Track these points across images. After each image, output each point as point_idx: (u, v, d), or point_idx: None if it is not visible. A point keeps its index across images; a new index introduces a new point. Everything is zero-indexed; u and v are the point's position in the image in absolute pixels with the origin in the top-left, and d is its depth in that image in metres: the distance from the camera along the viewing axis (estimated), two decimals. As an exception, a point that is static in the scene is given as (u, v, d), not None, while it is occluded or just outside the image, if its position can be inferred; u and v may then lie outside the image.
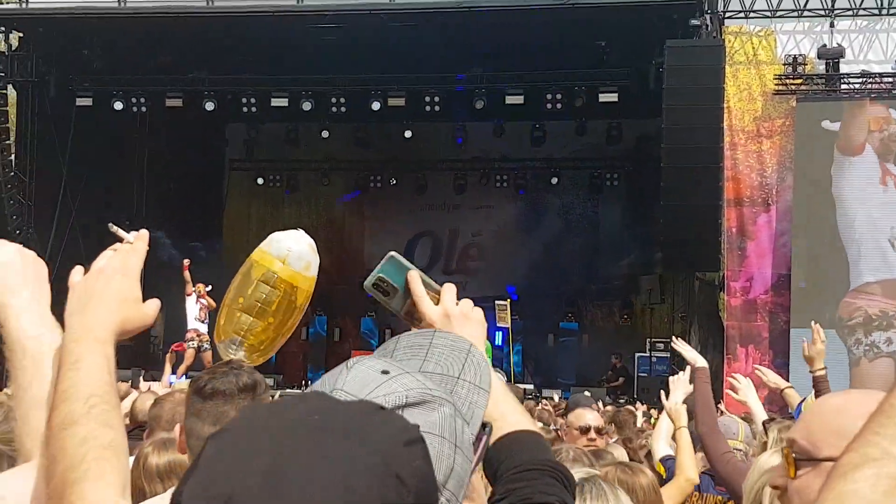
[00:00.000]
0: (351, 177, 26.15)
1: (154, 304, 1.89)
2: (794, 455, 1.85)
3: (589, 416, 6.12)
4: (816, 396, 5.62)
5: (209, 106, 21.19)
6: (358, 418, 1.16)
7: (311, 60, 20.83)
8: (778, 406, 12.72)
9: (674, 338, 6.77)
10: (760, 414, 5.79)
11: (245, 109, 21.68)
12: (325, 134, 23.44)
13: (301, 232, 3.51)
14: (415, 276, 1.98)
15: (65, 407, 1.64)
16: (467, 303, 2.02)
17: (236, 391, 3.17)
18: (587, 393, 13.39)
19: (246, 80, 21.47)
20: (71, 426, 1.61)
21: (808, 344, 5.99)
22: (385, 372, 1.32)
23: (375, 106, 21.20)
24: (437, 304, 1.99)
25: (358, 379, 1.31)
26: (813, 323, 6.15)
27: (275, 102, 21.46)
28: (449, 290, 2.01)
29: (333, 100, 21.39)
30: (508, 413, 1.89)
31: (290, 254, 3.35)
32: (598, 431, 6.02)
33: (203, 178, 25.60)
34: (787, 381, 6.57)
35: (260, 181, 26.34)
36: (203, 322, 18.01)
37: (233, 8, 19.78)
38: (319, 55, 20.60)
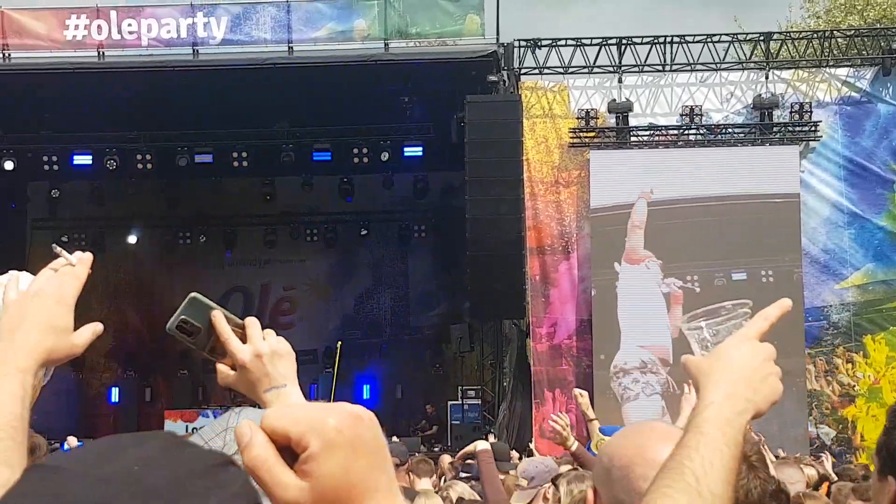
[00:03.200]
0: (158, 233, 25.77)
1: (86, 334, 1.83)
2: None
3: None
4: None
5: (8, 165, 20.65)
6: (182, 480, 1.05)
7: (114, 116, 20.60)
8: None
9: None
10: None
11: (47, 168, 21.19)
12: (131, 191, 23.14)
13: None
14: (219, 316, 1.99)
15: None
16: (273, 336, 2.03)
17: None
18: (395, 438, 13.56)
19: (47, 138, 21.00)
20: None
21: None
22: None
23: (182, 162, 21.08)
24: (244, 340, 2.00)
25: None
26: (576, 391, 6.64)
27: (77, 160, 21.07)
28: (253, 325, 2.02)
29: (139, 156, 21.15)
30: None
31: None
32: None
33: (5, 238, 24.76)
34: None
35: (64, 239, 25.65)
36: None
37: (31, 64, 19.43)
38: (123, 111, 20.41)
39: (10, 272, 1.97)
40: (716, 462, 1.59)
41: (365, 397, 24.95)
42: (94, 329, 1.84)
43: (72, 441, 14.98)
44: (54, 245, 1.96)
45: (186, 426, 22.05)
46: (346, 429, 1.10)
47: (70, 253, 1.92)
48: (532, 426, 19.58)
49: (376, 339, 25.65)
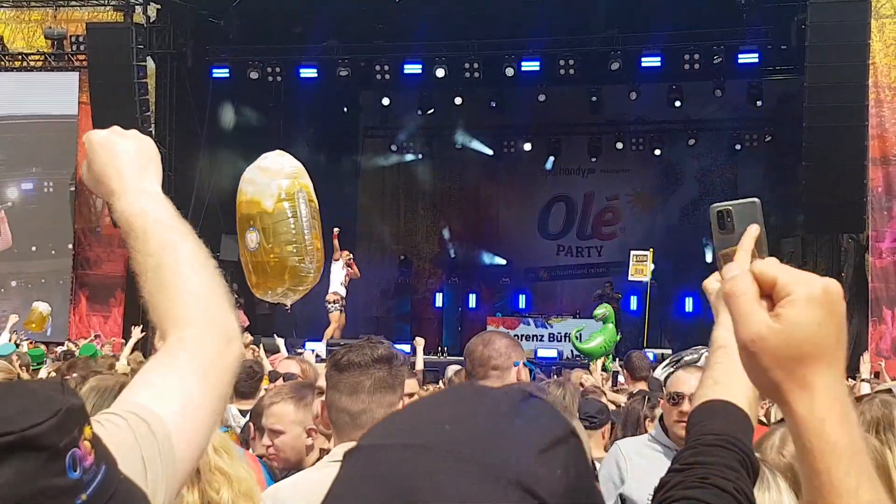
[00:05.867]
0: (484, 142, 26.08)
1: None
2: None
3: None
4: None
5: (343, 73, 21.30)
6: (494, 424, 1.07)
7: (443, 27, 20.79)
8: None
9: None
10: None
11: (378, 77, 21.73)
12: (458, 100, 23.41)
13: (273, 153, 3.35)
14: (753, 231, 1.83)
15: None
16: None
17: (371, 362, 3.24)
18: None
19: (379, 48, 21.51)
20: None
21: None
22: None
23: (509, 72, 21.01)
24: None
25: None
26: None
27: (408, 69, 21.47)
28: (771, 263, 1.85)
29: (467, 65, 21.25)
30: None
31: (285, 166, 3.20)
32: None
33: (338, 145, 25.85)
34: None
35: (393, 147, 26.50)
36: (344, 287, 18.84)
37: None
38: (452, 21, 20.55)
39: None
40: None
41: (687, 310, 24.48)
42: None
43: (312, 346, 15.91)
44: None
45: (507, 332, 22.38)
46: (831, 292, 1.24)
47: None
48: (868, 344, 18.54)
49: (702, 251, 24.91)
